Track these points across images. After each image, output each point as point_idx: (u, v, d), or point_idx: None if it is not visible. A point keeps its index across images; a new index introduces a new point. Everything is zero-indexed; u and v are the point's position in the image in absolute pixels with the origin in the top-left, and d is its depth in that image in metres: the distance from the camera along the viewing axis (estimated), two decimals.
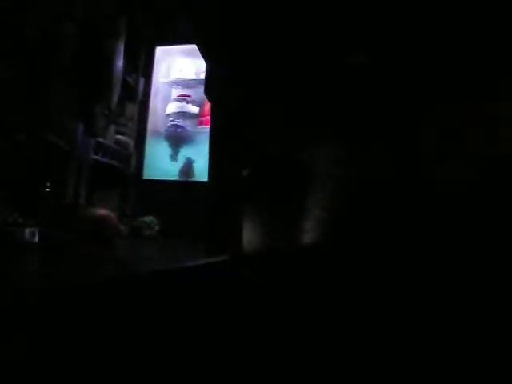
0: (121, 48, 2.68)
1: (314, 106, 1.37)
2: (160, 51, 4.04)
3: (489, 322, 1.05)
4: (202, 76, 3.86)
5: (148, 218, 3.32)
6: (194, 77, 3.90)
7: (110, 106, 2.62)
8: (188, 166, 3.82)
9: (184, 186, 3.70)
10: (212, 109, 1.66)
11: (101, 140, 2.95)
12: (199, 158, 3.75)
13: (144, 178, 3.82)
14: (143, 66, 3.90)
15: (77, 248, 2.17)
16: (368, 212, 1.31)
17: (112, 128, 3.30)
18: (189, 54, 3.94)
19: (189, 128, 3.85)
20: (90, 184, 2.80)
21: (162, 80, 4.00)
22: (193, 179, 3.76)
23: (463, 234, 1.17)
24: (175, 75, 3.95)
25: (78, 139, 2.49)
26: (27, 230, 2.14)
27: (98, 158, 2.94)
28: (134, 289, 1.04)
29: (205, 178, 3.58)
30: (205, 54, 1.72)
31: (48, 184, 2.50)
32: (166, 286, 1.14)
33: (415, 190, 1.24)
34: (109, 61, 2.50)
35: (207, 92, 1.68)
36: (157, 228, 3.34)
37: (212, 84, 1.66)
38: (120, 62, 2.66)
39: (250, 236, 1.49)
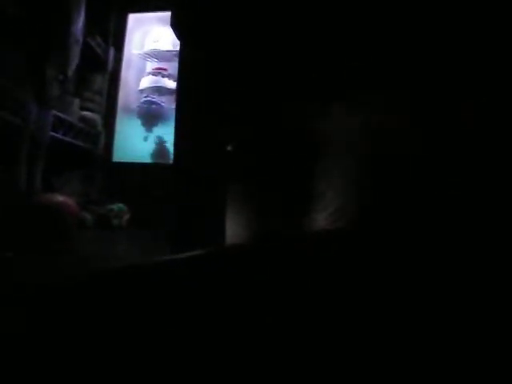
0: (81, 2, 2.26)
1: (326, 54, 1.03)
2: (133, 19, 3.63)
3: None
4: None
5: (117, 206, 2.94)
6: (171, 48, 3.51)
7: (66, 71, 2.20)
8: (162, 147, 3.45)
9: (158, 170, 3.32)
10: (181, 52, 1.26)
11: (61, 115, 2.55)
12: None
13: (113, 160, 3.42)
14: (114, 35, 3.48)
15: (26, 242, 1.81)
16: (397, 196, 1.01)
17: (76, 103, 2.91)
18: (165, 22, 3.53)
19: (165, 105, 3.47)
20: (48, 166, 2.41)
21: (135, 51, 3.59)
22: (168, 162, 3.38)
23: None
24: (150, 46, 3.55)
25: (31, 112, 2.08)
26: None
27: (58, 136, 2.55)
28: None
29: None
30: None
31: None
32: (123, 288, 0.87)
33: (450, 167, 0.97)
34: (64, 15, 2.08)
35: (175, 26, 1.28)
36: (127, 217, 2.98)
37: (184, 15, 1.25)
38: (80, 20, 2.24)
39: (236, 226, 1.15)
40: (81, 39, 2.32)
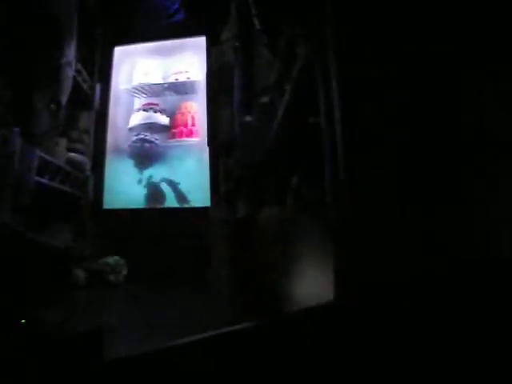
0: (72, 29, 1.91)
1: None
2: (119, 51, 3.33)
3: None
4: (172, 79, 3.19)
5: (112, 259, 2.56)
6: (162, 81, 3.21)
7: (59, 98, 1.81)
8: (157, 190, 3.08)
9: (155, 216, 2.93)
10: None
11: (47, 157, 2.17)
12: (174, 178, 3.02)
13: (104, 207, 3.03)
14: (99, 69, 3.15)
15: None
16: None
17: (63, 143, 2.53)
18: (155, 53, 3.28)
19: (159, 142, 3.13)
20: (33, 217, 2.02)
21: (122, 86, 3.28)
22: (165, 206, 3.02)
23: None
24: (138, 80, 3.24)
25: (15, 149, 1.70)
26: None
27: (44, 180, 2.16)
28: None
29: (182, 204, 2.98)
30: None
31: None
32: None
33: None
34: (55, 31, 1.72)
35: None
36: (124, 272, 2.57)
37: None
38: (72, 42, 1.88)
39: None
40: (74, 62, 1.96)
